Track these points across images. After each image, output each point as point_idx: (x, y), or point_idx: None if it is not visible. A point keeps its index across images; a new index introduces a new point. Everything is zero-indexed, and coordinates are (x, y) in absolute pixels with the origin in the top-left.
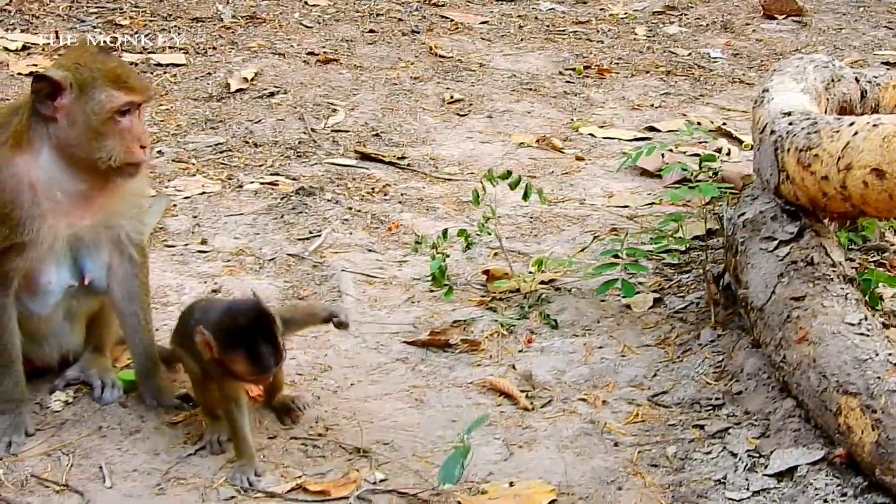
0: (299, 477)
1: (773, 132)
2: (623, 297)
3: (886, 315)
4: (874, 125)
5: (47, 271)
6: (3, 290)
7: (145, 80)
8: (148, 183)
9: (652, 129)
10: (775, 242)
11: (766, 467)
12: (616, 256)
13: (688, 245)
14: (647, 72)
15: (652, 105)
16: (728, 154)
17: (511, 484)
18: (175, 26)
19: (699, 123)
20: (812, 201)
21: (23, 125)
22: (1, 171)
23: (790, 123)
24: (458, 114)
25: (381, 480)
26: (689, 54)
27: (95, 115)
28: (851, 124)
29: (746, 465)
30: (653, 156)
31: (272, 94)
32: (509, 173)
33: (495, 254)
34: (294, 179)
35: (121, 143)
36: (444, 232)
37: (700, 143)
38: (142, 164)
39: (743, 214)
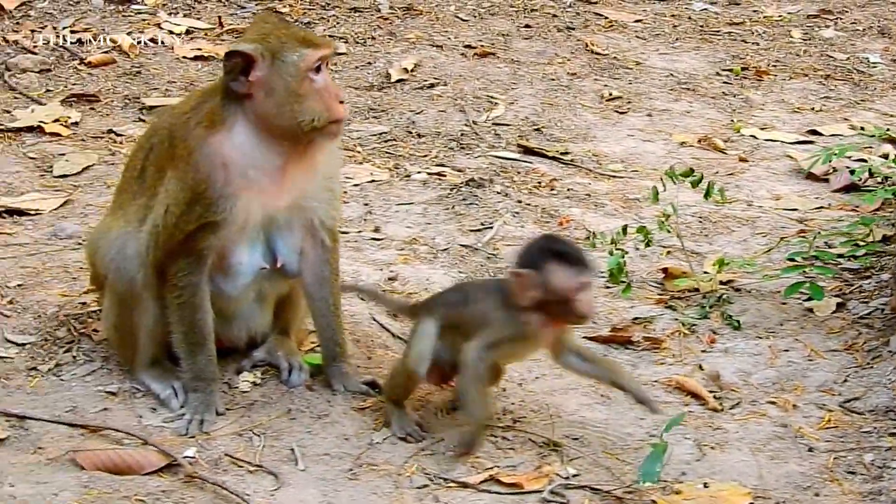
0: (491, 468)
1: None
2: (809, 300)
3: None
4: None
5: (240, 252)
6: (197, 269)
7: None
8: (341, 166)
9: (814, 132)
10: None
11: None
12: (792, 260)
13: (869, 250)
14: (806, 75)
15: (812, 108)
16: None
17: (705, 485)
18: (334, 15)
19: (863, 128)
20: None
21: (217, 105)
22: (196, 151)
23: None
24: (617, 111)
25: (574, 476)
26: (847, 58)
27: (292, 77)
28: None
29: None
30: (829, 162)
31: (432, 86)
32: (692, 171)
33: (668, 252)
34: (460, 171)
35: (320, 101)
36: (624, 228)
37: (865, 148)
38: (342, 120)
39: None
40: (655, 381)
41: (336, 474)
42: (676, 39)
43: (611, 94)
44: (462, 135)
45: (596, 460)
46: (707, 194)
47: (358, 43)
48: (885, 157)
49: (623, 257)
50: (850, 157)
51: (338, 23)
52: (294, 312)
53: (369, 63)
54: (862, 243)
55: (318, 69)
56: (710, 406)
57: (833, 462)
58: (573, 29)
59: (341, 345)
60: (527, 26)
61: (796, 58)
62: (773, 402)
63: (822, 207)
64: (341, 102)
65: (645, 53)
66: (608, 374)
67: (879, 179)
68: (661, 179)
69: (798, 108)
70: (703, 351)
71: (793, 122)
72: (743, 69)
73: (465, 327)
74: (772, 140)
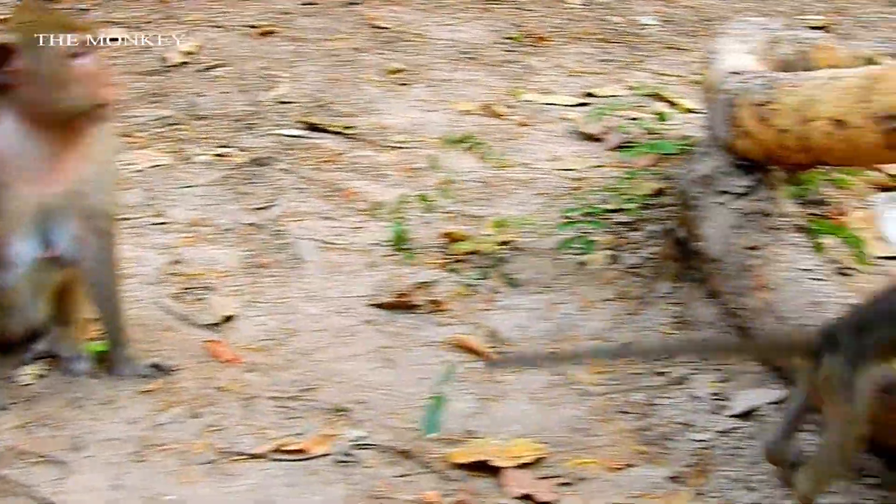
0: (278, 437)
1: (724, 91)
2: (581, 253)
3: (831, 263)
4: (833, 78)
5: (14, 242)
6: None
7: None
8: (117, 152)
9: (591, 94)
10: (729, 196)
11: (728, 409)
12: (566, 217)
13: (640, 203)
14: (583, 39)
15: (589, 71)
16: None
17: (489, 436)
18: (111, 0)
19: (637, 88)
20: (768, 154)
21: None
22: None
23: (742, 81)
24: (400, 83)
25: (361, 437)
26: (623, 21)
27: (54, 64)
28: (811, 78)
29: (710, 408)
30: (596, 120)
31: (214, 68)
32: (464, 138)
33: (451, 217)
34: (244, 151)
35: (84, 85)
36: (402, 196)
37: (638, 107)
38: (109, 103)
39: (695, 171)
40: (438, 342)
41: (123, 457)
42: (458, 10)
43: (394, 68)
44: (246, 115)
45: (382, 422)
46: (482, 159)
47: (137, 27)
48: (658, 114)
49: (404, 225)
50: (624, 117)
51: (116, 8)
52: (74, 301)
53: (149, 47)
54: (631, 197)
55: (79, 54)
56: (489, 361)
57: (605, 404)
58: (356, 4)
59: (123, 330)
60: (309, 3)
61: (574, 23)
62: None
63: (598, 166)
64: (109, 86)
65: (427, 25)
66: None
67: (651, 136)
68: (436, 148)
69: (576, 72)
70: (484, 310)
71: (571, 86)
72: (523, 36)
73: None
74: (551, 104)
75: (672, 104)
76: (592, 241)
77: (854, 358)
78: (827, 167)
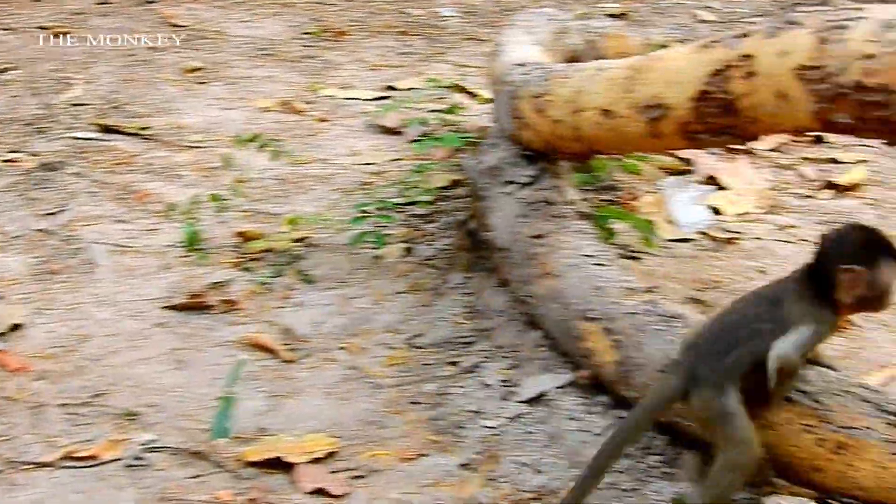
0: (67, 445)
1: (507, 82)
2: (375, 248)
3: (620, 247)
4: (600, 69)
5: None
6: None
7: None
8: None
9: (391, 87)
10: (515, 186)
11: (518, 395)
12: (364, 211)
13: (435, 195)
14: (384, 33)
15: (390, 65)
16: (462, 109)
17: (282, 433)
18: None
19: (436, 80)
20: (547, 144)
21: None
22: None
23: (524, 73)
24: (198, 82)
25: (152, 441)
26: (423, 14)
27: None
28: (581, 70)
29: (500, 395)
30: (393, 113)
31: (3, 71)
32: (255, 136)
33: (247, 216)
34: (35, 155)
35: None
36: (195, 197)
37: (438, 98)
38: None
39: (483, 162)
40: (231, 342)
41: None
42: (257, 6)
43: (191, 66)
44: (37, 119)
45: (174, 424)
46: (273, 157)
47: None
48: (453, 107)
49: (196, 225)
50: (424, 109)
51: None
52: None
53: None
54: (427, 190)
55: None
56: (282, 358)
57: (398, 396)
58: (152, 2)
59: None
60: (103, 2)
61: (374, 16)
62: (343, 348)
63: (396, 159)
64: None
65: (226, 23)
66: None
67: (449, 128)
68: (230, 147)
69: (376, 66)
70: (278, 307)
71: (371, 80)
72: (323, 31)
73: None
74: (350, 98)
75: (473, 95)
76: (387, 235)
77: (717, 384)
78: (606, 156)
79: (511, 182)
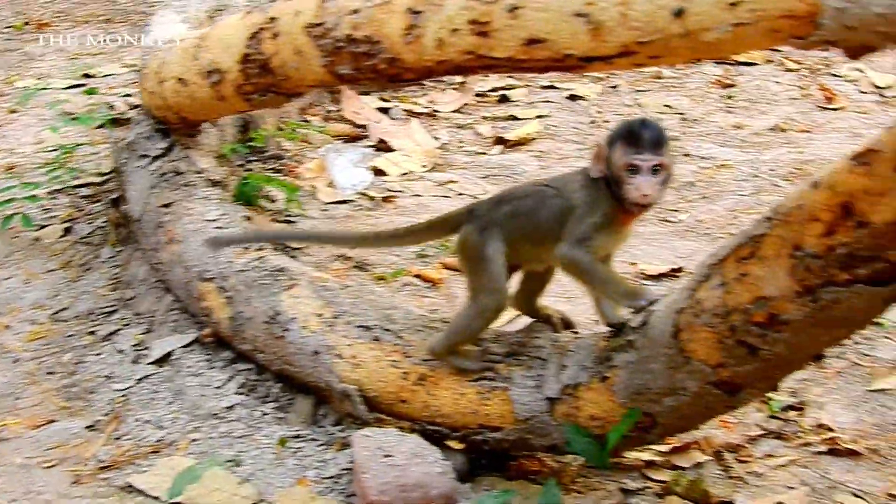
0: None
1: (145, 60)
2: (42, 228)
3: (277, 212)
4: (178, 40)
5: None
6: None
7: None
8: None
9: (87, 76)
10: (148, 159)
11: (148, 357)
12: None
13: (106, 176)
14: (89, 22)
15: (90, 53)
16: None
17: None
18: None
19: (132, 66)
20: (162, 115)
21: None
22: None
23: (167, 51)
24: None
25: None
26: (129, 1)
27: None
28: (164, 43)
29: (132, 359)
30: (84, 99)
31: None
32: None
33: None
34: None
35: None
36: None
37: (134, 83)
38: None
39: (126, 138)
40: None
41: None
42: None
43: None
44: None
45: None
46: None
47: None
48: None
49: None
50: (118, 94)
51: None
52: None
53: None
54: (99, 170)
55: None
56: None
57: (34, 367)
58: None
59: None
60: None
61: (80, 7)
62: None
63: (82, 144)
64: None
65: None
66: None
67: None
68: None
69: (77, 55)
70: None
71: (70, 69)
72: (25, 24)
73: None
74: (45, 89)
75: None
76: (28, 216)
77: (484, 226)
78: (205, 122)
79: (145, 155)
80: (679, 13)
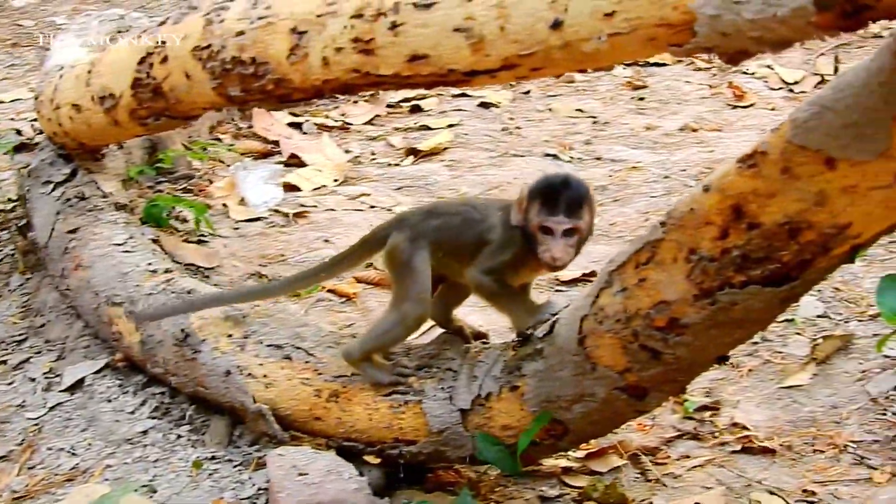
0: None
1: (41, 86)
2: None
3: (188, 233)
4: (71, 66)
5: None
6: None
7: None
8: None
9: None
10: (52, 185)
11: (60, 384)
12: None
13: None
14: None
15: None
16: None
17: None
18: None
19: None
20: (61, 141)
21: None
22: None
23: (60, 77)
24: None
25: None
26: (35, 25)
27: None
28: (60, 68)
29: (43, 386)
30: None
31: None
32: None
33: None
34: None
35: None
36: None
37: None
38: None
39: (29, 165)
40: None
41: None
42: None
43: None
44: None
45: None
46: None
47: None
48: None
49: None
50: (27, 119)
51: None
52: None
53: None
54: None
55: None
56: None
57: None
58: None
59: None
60: None
61: None
62: None
63: None
64: None
65: None
66: None
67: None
68: None
69: None
70: None
71: None
72: None
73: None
74: None
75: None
76: None
77: (414, 237)
78: (105, 147)
79: (48, 182)
80: (557, 25)
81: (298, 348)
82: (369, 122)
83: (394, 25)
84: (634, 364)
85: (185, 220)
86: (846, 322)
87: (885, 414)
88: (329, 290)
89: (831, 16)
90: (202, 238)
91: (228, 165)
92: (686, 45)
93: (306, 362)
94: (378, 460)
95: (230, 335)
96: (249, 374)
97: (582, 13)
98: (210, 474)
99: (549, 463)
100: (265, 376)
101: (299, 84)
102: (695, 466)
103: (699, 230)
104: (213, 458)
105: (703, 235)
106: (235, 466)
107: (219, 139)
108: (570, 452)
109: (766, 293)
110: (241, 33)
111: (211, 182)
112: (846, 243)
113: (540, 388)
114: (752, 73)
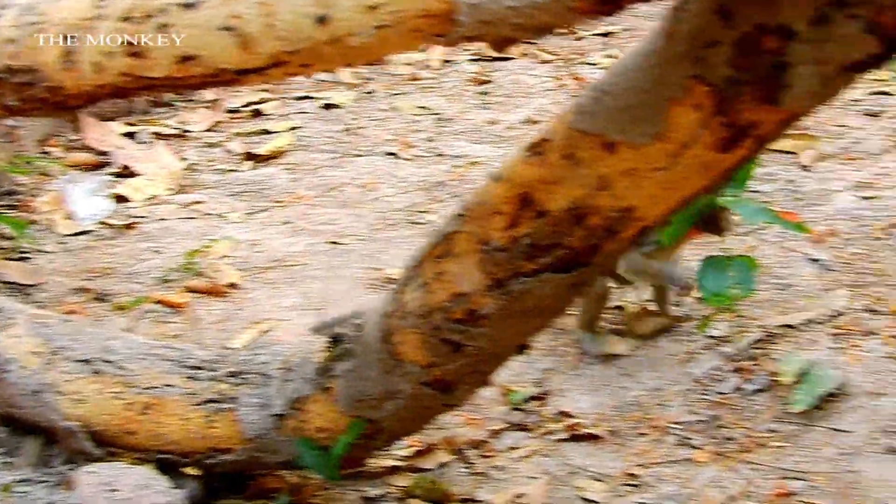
0: None
1: None
2: None
3: (10, 249)
4: None
5: None
6: None
7: None
8: None
9: None
10: None
11: None
12: None
13: None
14: None
15: None
16: None
17: None
18: None
19: None
20: None
21: None
22: None
23: None
24: None
25: None
26: None
27: None
28: None
29: None
30: None
31: None
32: None
33: None
34: None
35: None
36: None
37: None
38: None
39: None
40: None
41: None
42: None
43: None
44: None
45: None
46: None
47: None
48: None
49: None
50: None
51: None
52: None
53: None
54: None
55: None
56: None
57: None
58: None
59: None
60: None
61: None
62: None
63: None
64: None
65: None
66: None
67: None
68: None
69: None
70: None
71: None
72: None
73: None
74: None
75: None
76: None
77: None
78: None
79: None
80: (322, 20)
81: (107, 361)
82: (209, 129)
83: (162, 27)
84: (437, 358)
85: (9, 237)
86: (676, 306)
87: (707, 394)
88: (157, 302)
89: (589, 0)
90: (24, 255)
91: (56, 179)
92: (450, 34)
93: (116, 376)
94: (197, 471)
95: (38, 352)
96: (58, 392)
97: (346, 7)
98: (21, 497)
99: (377, 463)
100: (75, 392)
101: (73, 90)
102: (521, 457)
103: (489, 220)
104: (25, 480)
105: (494, 225)
106: (48, 487)
107: (47, 153)
108: (397, 451)
109: (555, 280)
110: (12, 41)
111: (36, 197)
112: (633, 226)
113: (350, 387)
114: (596, 64)
